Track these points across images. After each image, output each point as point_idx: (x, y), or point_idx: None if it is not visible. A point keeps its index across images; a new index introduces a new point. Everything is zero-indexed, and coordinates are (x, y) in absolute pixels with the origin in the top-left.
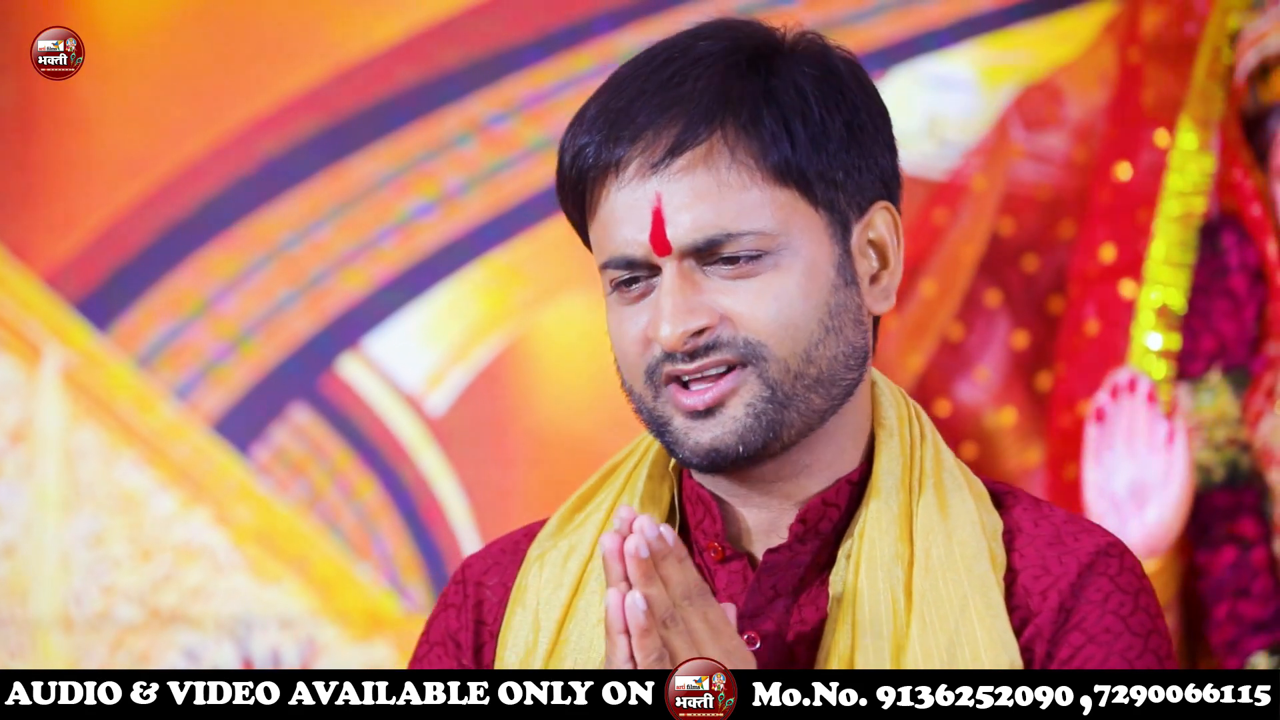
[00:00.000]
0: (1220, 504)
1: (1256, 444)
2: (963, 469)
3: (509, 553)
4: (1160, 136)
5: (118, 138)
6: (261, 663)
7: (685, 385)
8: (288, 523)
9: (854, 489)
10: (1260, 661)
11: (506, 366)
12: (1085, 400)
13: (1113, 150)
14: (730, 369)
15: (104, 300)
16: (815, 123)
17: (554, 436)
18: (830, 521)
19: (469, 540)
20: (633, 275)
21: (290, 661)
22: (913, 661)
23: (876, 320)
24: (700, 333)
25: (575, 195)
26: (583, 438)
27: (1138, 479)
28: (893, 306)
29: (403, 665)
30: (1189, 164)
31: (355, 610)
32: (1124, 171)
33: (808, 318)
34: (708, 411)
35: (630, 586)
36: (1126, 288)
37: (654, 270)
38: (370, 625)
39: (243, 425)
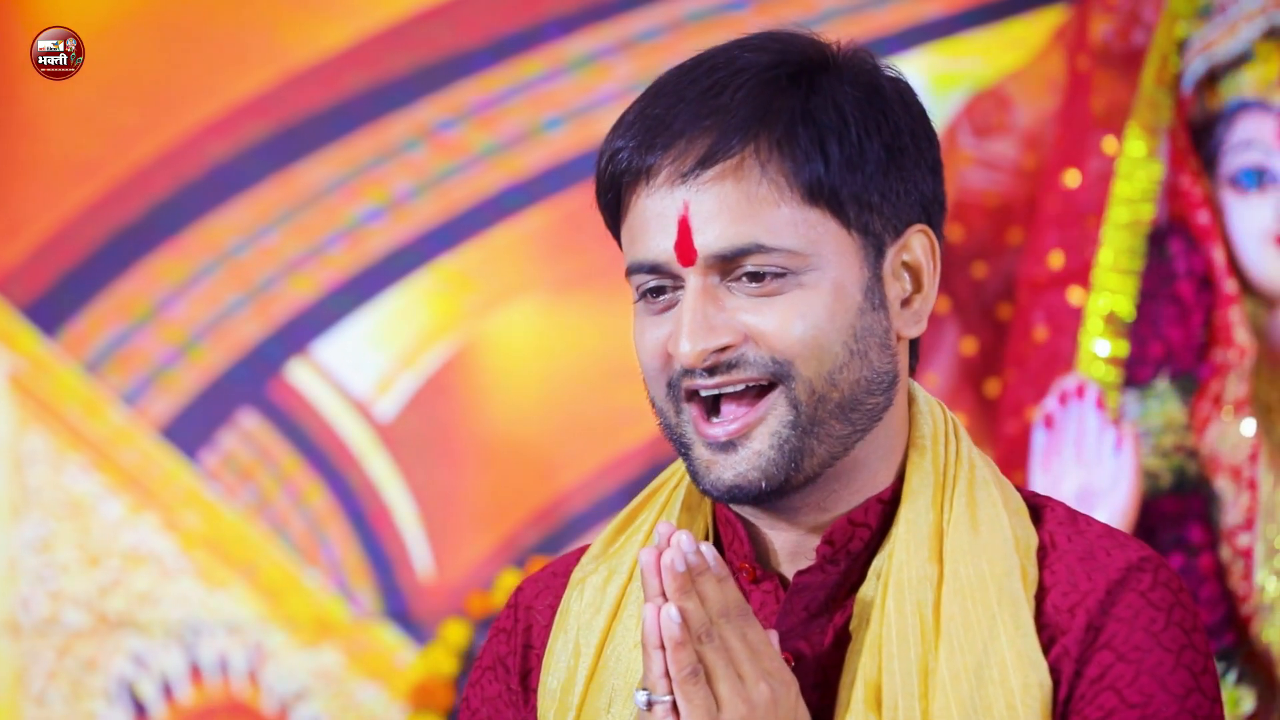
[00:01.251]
0: (1168, 510)
1: (1204, 450)
2: (1001, 483)
3: (560, 575)
4: (1109, 144)
5: (65, 142)
6: (209, 668)
7: (706, 409)
8: (236, 528)
9: (885, 507)
10: None
11: (455, 372)
12: (1033, 407)
13: (1061, 157)
14: (759, 394)
15: (52, 305)
16: (852, 144)
17: (502, 442)
18: (861, 541)
19: (417, 546)
20: (659, 284)
21: (238, 667)
22: (939, 685)
23: (916, 342)
24: (723, 350)
25: (610, 199)
26: (531, 443)
27: (1085, 485)
28: (923, 330)
29: (351, 671)
30: (1137, 171)
31: (303, 616)
32: (1072, 178)
33: (833, 340)
34: (730, 444)
35: (667, 601)
36: (1075, 294)
37: (679, 282)
38: (318, 631)
39: (191, 431)
